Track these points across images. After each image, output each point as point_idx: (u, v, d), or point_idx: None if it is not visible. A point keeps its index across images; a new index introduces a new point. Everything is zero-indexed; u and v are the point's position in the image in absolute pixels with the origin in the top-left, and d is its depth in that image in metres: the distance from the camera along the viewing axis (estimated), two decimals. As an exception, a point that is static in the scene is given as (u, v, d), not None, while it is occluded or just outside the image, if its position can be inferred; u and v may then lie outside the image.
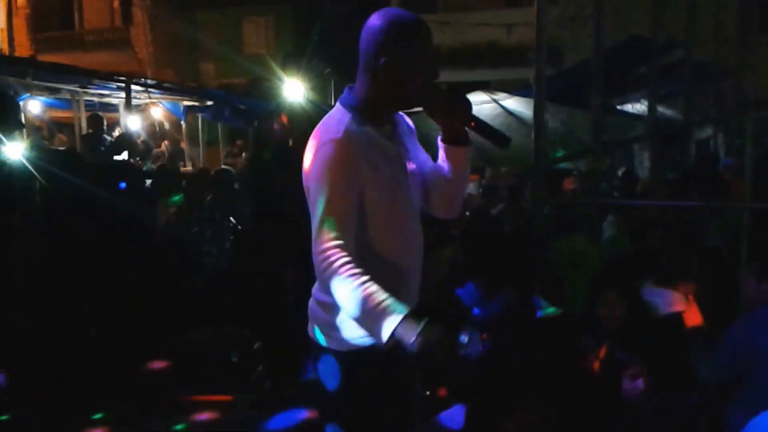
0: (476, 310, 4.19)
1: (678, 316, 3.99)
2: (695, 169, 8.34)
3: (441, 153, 2.30)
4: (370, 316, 1.95)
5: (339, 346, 2.23)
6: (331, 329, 2.22)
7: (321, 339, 2.26)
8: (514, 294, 4.16)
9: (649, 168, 7.78)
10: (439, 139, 2.29)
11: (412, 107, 2.24)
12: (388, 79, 2.13)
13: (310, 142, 2.15)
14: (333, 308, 2.15)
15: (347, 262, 1.99)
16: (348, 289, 1.97)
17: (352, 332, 2.18)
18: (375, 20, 2.14)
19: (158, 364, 4.60)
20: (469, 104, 2.21)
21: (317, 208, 2.04)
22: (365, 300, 1.95)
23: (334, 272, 1.99)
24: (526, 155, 6.02)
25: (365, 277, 1.97)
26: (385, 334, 1.92)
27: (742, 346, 3.37)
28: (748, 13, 7.59)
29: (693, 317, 4.03)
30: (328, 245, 2.00)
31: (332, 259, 1.99)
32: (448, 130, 2.25)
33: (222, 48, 19.79)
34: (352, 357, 2.21)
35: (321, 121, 2.20)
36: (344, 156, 2.07)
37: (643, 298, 3.95)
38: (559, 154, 7.39)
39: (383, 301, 1.94)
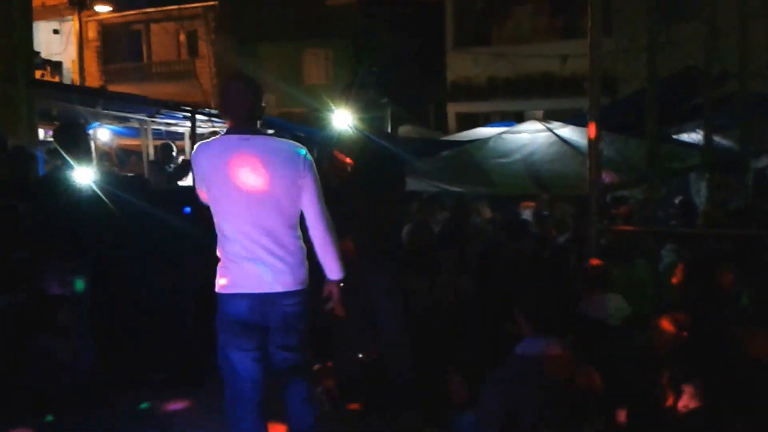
0: None
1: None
2: (754, 200, 8.18)
3: None
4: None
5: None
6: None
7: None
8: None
9: (706, 197, 7.68)
10: None
11: None
12: None
13: (297, 153, 3.33)
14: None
15: None
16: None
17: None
18: (255, 83, 3.37)
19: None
20: None
21: (321, 195, 3.40)
22: None
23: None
24: (581, 182, 6.08)
25: None
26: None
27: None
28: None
29: None
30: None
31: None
32: None
33: (283, 79, 20.23)
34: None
35: (285, 141, 3.38)
36: None
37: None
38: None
39: None
